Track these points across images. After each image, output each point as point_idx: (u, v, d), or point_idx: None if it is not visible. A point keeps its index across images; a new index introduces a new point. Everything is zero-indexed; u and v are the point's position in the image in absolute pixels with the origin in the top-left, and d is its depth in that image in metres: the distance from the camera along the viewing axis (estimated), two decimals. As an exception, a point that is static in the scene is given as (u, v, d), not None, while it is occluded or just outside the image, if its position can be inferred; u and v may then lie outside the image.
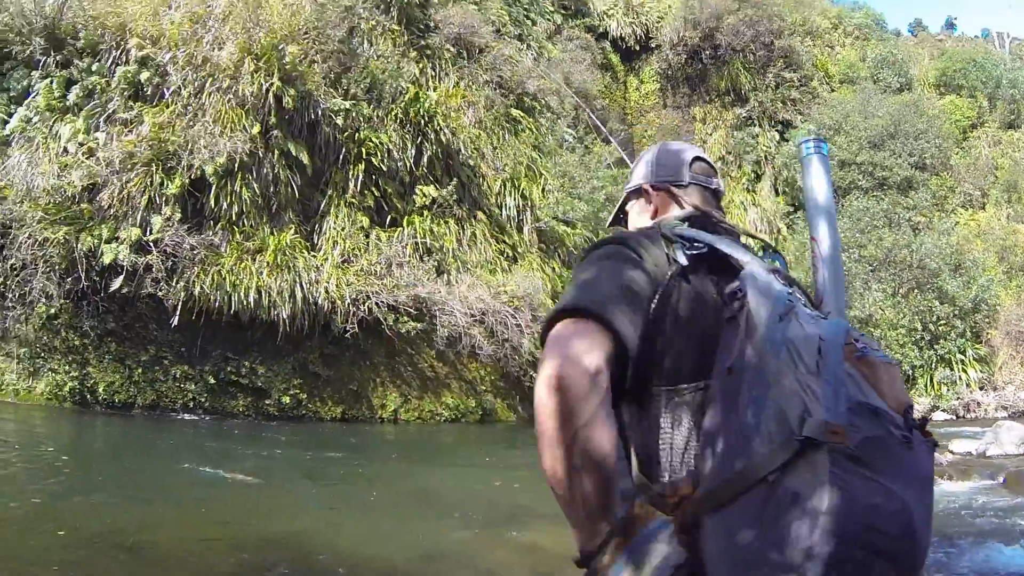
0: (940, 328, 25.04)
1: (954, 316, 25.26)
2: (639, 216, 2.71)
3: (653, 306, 2.10)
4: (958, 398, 24.40)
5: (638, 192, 2.75)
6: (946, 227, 28.80)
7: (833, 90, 37.33)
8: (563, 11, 32.64)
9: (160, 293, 15.38)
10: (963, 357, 24.87)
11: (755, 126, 34.69)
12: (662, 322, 2.10)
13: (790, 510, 1.68)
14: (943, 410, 24.05)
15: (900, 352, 24.13)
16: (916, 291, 25.44)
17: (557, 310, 2.05)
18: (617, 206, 2.92)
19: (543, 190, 23.00)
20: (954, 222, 30.65)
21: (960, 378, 24.71)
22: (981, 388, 25.00)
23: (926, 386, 24.61)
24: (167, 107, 16.81)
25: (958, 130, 36.93)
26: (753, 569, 1.70)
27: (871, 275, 25.75)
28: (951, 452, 15.32)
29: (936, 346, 24.80)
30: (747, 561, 1.72)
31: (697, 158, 2.73)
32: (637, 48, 35.04)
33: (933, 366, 24.94)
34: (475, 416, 19.36)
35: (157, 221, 15.52)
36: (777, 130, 34.83)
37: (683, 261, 2.18)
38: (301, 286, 16.52)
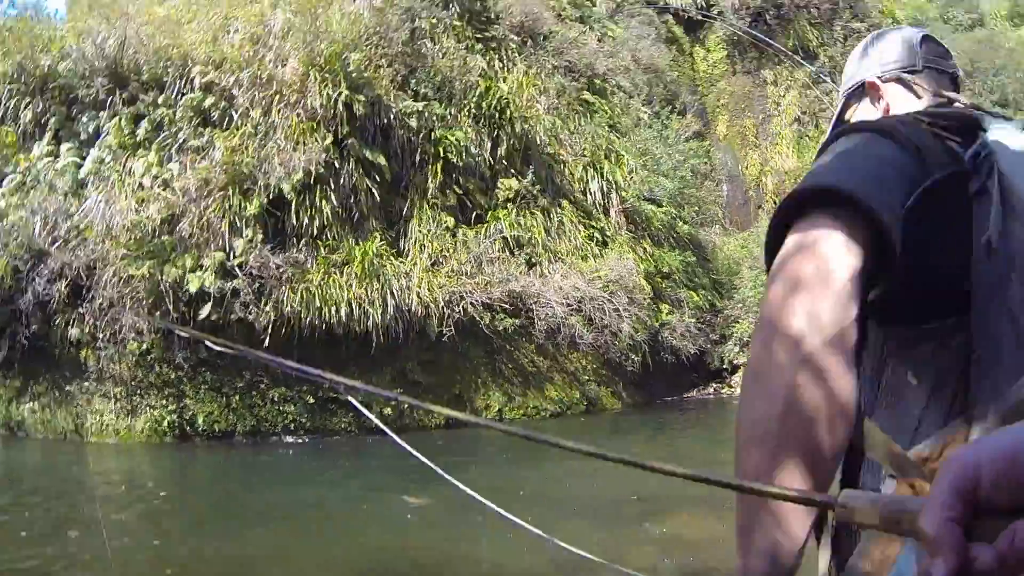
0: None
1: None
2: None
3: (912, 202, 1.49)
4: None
5: (860, 91, 2.21)
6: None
7: None
8: (622, -12, 32.02)
9: (250, 316, 15.13)
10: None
11: (827, 83, 33.80)
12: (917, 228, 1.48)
13: None
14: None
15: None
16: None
17: (802, 189, 1.48)
18: (833, 117, 2.33)
19: (625, 171, 22.44)
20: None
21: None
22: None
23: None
24: (237, 130, 16.61)
25: (1038, 60, 35.68)
26: None
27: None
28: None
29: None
30: None
31: (927, 37, 2.21)
32: (699, 18, 34.26)
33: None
34: (580, 407, 18.94)
35: (240, 244, 15.34)
36: (851, 85, 33.74)
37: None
38: (392, 293, 16.21)
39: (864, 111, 2.18)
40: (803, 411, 1.30)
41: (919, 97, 2.10)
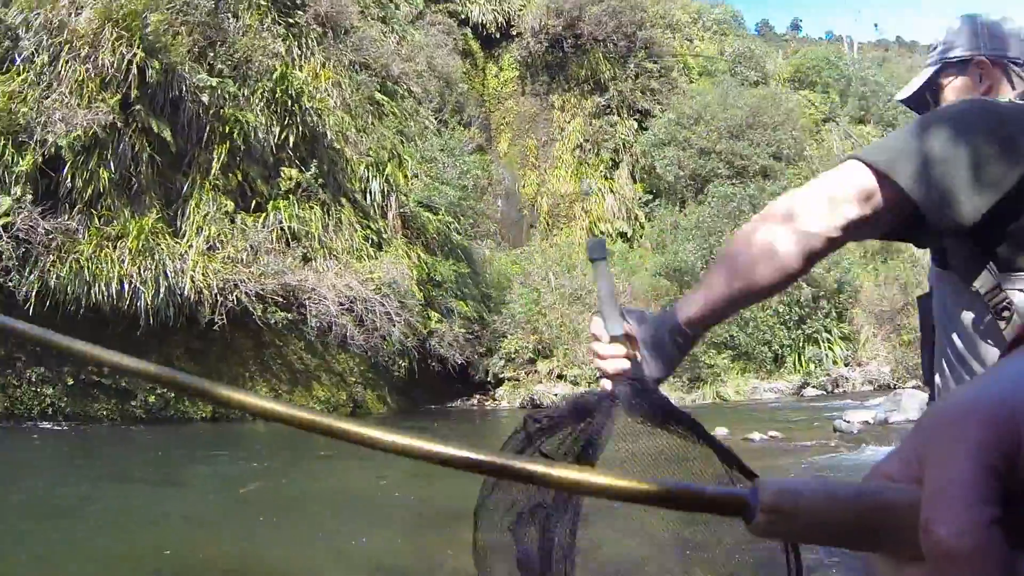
0: (806, 309, 25.41)
1: (820, 297, 25.89)
2: (964, 95, 2.21)
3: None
4: (827, 375, 25.24)
5: (962, 65, 2.27)
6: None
7: (692, 81, 38.12)
8: (426, -4, 32.11)
9: (11, 284, 13.83)
10: (829, 336, 25.82)
11: (614, 115, 34.99)
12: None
13: None
14: (813, 386, 24.90)
15: (770, 333, 24.62)
16: (779, 274, 25.85)
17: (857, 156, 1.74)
18: (921, 81, 2.41)
19: (407, 175, 22.28)
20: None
21: (827, 355, 25.49)
22: (847, 364, 25.69)
23: (795, 364, 25.13)
24: (18, 75, 15.21)
25: (812, 123, 38.07)
26: None
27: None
28: (846, 422, 15.35)
29: (804, 326, 25.38)
30: None
31: None
32: (498, 35, 34.89)
33: (801, 345, 25.74)
34: (346, 409, 18.65)
35: (6, 202, 14.00)
36: (636, 119, 35.23)
37: None
38: (166, 274, 15.35)
39: (964, 85, 2.27)
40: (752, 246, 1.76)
41: (1014, 88, 2.19)
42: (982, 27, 2.27)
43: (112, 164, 15.45)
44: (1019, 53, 2.22)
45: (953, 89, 2.28)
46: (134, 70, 15.73)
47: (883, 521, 0.57)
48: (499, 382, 23.44)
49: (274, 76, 18.92)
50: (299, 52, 21.46)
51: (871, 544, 0.59)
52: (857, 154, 1.73)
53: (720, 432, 15.11)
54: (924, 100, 2.39)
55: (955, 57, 2.28)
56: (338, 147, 20.83)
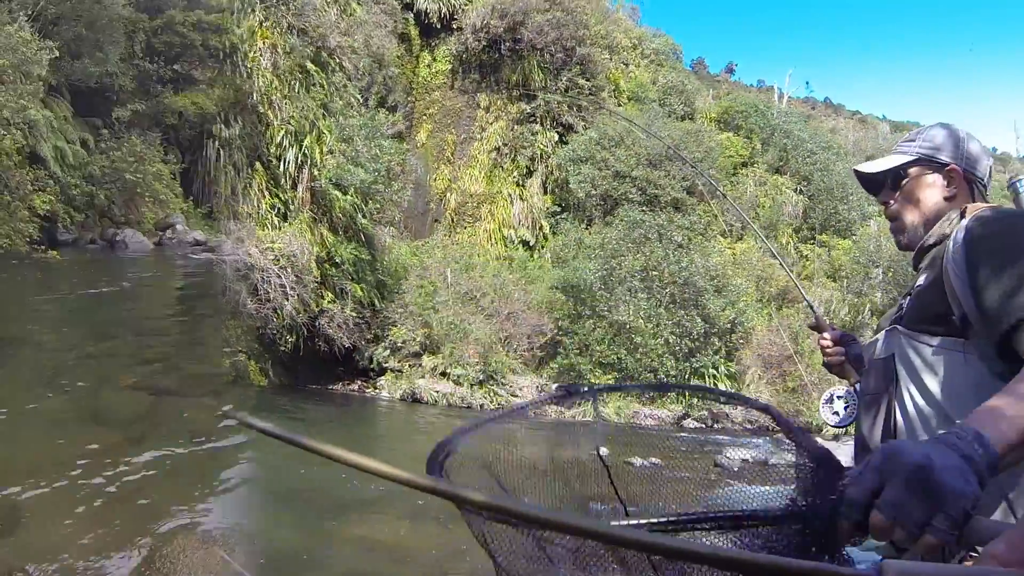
0: (697, 343, 25.69)
1: (712, 334, 26.15)
2: (932, 193, 2.60)
3: None
4: (708, 409, 25.23)
5: (939, 167, 2.62)
6: (714, 251, 30.39)
7: (621, 105, 38.27)
8: (374, -27, 31.92)
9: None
10: (716, 372, 25.95)
11: (537, 124, 35.00)
12: None
13: None
14: (693, 419, 25.08)
15: (658, 361, 24.82)
16: (675, 306, 26.05)
17: None
18: (893, 164, 2.69)
19: (323, 150, 22.06)
20: (717, 248, 31.79)
21: (711, 391, 25.50)
22: (729, 402, 25.94)
23: (678, 395, 25.34)
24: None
25: (731, 165, 38.61)
26: None
27: (638, 285, 26.17)
28: (727, 458, 15.60)
29: (692, 359, 25.63)
30: None
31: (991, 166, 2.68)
32: (439, 26, 34.93)
33: (687, 377, 25.78)
34: (227, 377, 18.21)
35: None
36: (558, 131, 35.24)
37: None
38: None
39: (935, 184, 2.61)
40: None
41: (973, 200, 2.57)
42: (964, 143, 2.62)
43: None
44: (983, 172, 2.61)
45: (922, 183, 2.61)
46: None
47: None
48: (382, 371, 23.29)
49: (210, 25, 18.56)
50: (239, 6, 21.04)
51: None
52: None
53: (602, 451, 15.19)
54: (882, 180, 2.72)
55: (937, 159, 2.60)
56: (262, 110, 20.51)
